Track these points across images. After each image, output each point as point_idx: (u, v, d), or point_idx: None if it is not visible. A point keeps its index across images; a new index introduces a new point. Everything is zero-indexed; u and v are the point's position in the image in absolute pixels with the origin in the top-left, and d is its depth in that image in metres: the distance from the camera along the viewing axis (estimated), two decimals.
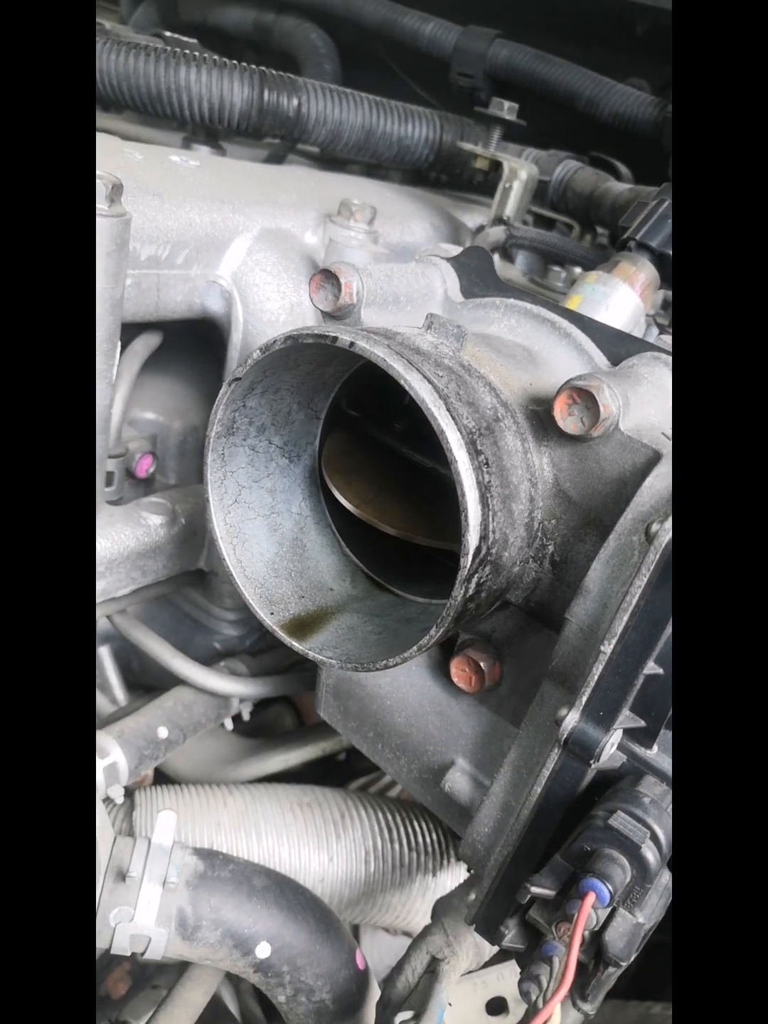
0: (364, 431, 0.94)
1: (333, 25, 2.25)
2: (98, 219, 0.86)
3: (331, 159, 1.93)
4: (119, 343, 0.97)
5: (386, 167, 1.95)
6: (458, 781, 0.85)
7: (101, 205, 0.86)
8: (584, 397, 0.69)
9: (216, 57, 1.39)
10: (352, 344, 0.68)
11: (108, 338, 0.94)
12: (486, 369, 0.76)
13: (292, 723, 1.50)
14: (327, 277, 0.83)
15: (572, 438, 0.72)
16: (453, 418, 0.66)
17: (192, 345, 1.36)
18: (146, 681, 1.39)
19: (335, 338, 0.69)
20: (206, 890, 0.86)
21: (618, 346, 0.87)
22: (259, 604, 0.83)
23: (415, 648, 0.71)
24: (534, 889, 0.67)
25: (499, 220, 1.38)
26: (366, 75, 2.32)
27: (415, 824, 1.15)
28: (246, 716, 1.20)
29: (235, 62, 1.40)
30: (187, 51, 1.37)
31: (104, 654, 1.34)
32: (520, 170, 1.37)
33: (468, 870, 1.01)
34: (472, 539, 0.66)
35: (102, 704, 1.31)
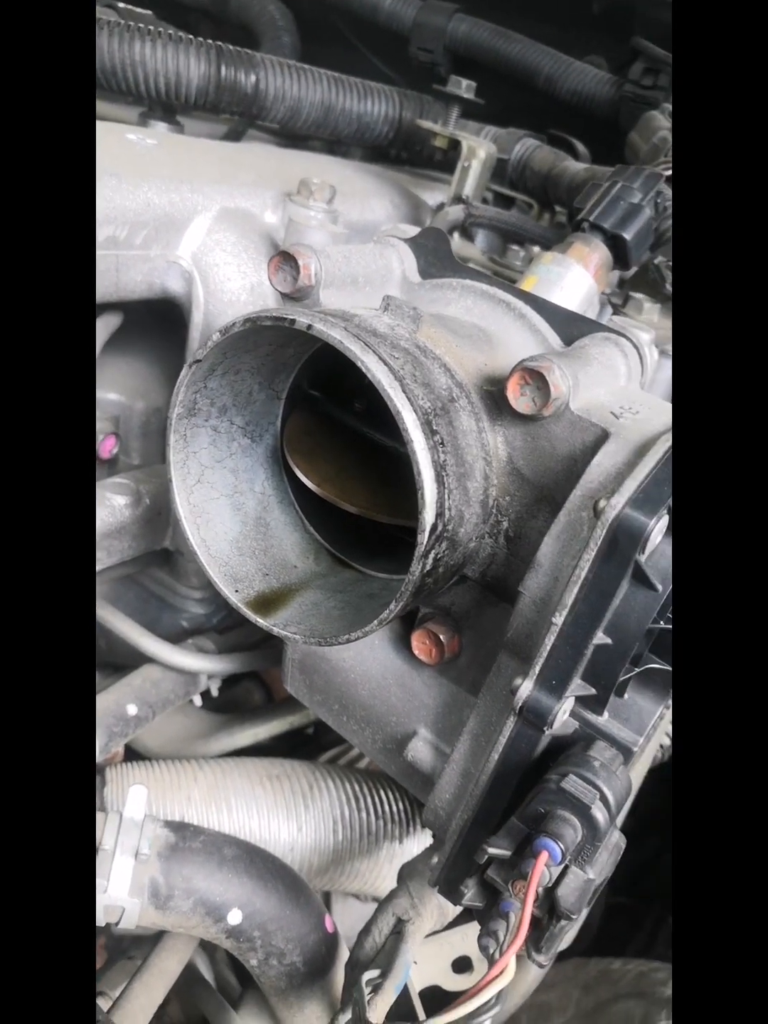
0: (325, 411, 0.95)
1: None
2: None
3: (292, 135, 1.92)
4: None
5: (346, 144, 1.94)
6: (420, 750, 0.88)
7: None
8: (535, 378, 0.72)
9: (172, 31, 1.38)
10: (310, 327, 0.70)
11: None
12: (442, 350, 0.78)
13: (261, 699, 1.52)
14: (285, 259, 0.84)
15: (525, 417, 0.75)
16: (409, 399, 0.68)
17: (153, 325, 1.36)
18: (114, 660, 1.40)
19: (293, 321, 0.70)
20: (178, 861, 0.89)
21: (571, 327, 0.89)
22: (223, 582, 0.84)
23: (375, 622, 0.73)
24: (491, 850, 0.70)
25: (458, 199, 1.39)
26: (325, 49, 2.30)
27: (381, 794, 1.18)
28: (214, 692, 1.22)
29: (191, 37, 1.39)
30: (142, 25, 1.36)
31: None
32: (479, 149, 1.38)
33: (433, 837, 1.04)
34: (428, 516, 0.68)
35: None
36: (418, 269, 0.97)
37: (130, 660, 1.35)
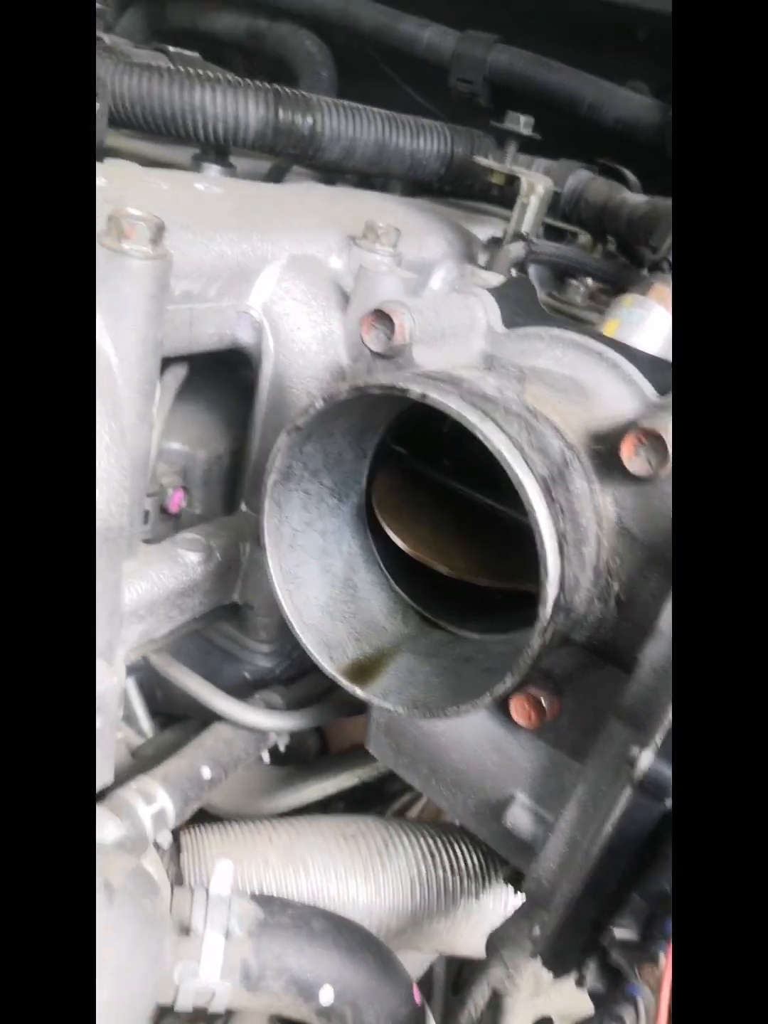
0: (411, 467, 0.93)
1: (327, 31, 2.23)
2: (141, 263, 0.84)
3: (330, 171, 1.91)
4: (158, 384, 0.96)
5: (388, 176, 1.94)
6: (520, 816, 0.86)
7: (145, 248, 0.85)
8: (651, 438, 0.69)
9: (229, 76, 1.37)
10: (424, 396, 0.68)
11: (148, 380, 0.92)
12: (548, 409, 0.76)
13: (315, 746, 1.50)
14: (379, 317, 0.83)
15: (637, 478, 0.72)
16: (530, 468, 0.66)
17: (213, 371, 1.34)
18: (170, 710, 1.38)
19: (406, 390, 0.68)
20: (268, 937, 0.86)
21: (662, 374, 0.87)
22: (318, 651, 0.82)
23: (487, 695, 0.71)
24: (619, 933, 0.67)
25: (518, 236, 1.37)
26: (362, 82, 2.31)
27: (456, 848, 1.15)
28: (282, 747, 1.19)
29: (248, 81, 1.38)
30: (200, 71, 1.35)
31: (129, 685, 1.32)
32: (537, 185, 1.37)
33: (515, 891, 1.01)
34: (551, 590, 0.65)
35: (129, 736, 1.29)
36: (502, 319, 0.95)
37: (187, 711, 1.33)
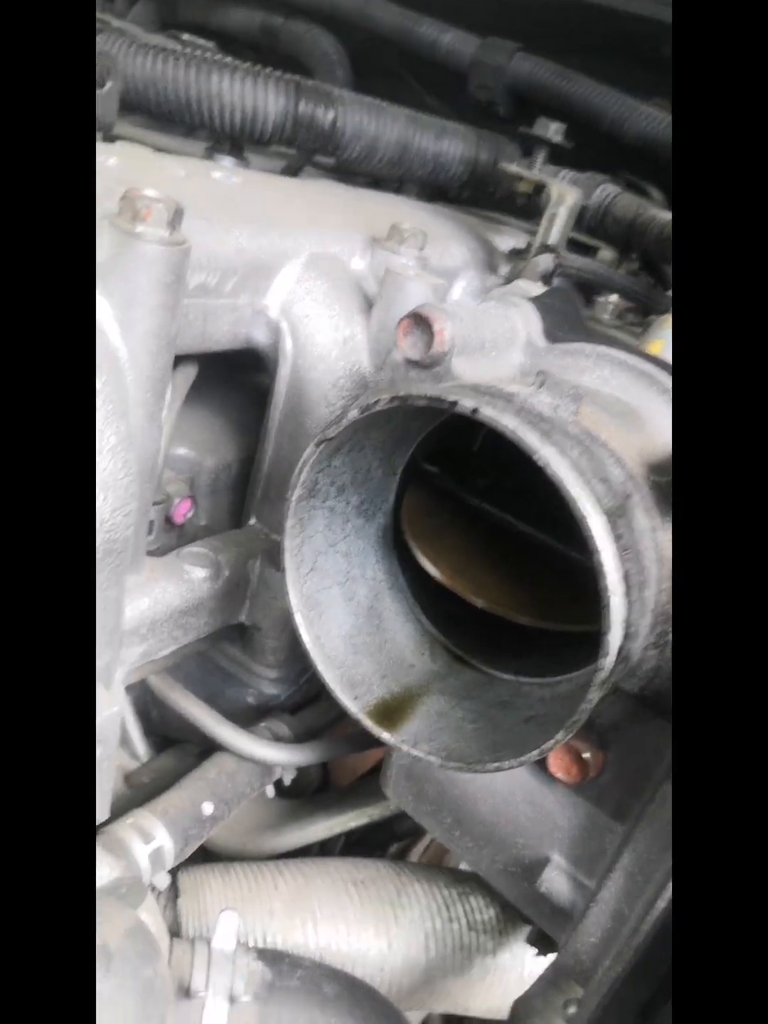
0: (442, 487, 0.86)
1: (343, 31, 2.16)
2: (157, 249, 0.77)
3: (345, 171, 1.84)
4: (170, 382, 0.88)
5: (403, 181, 1.87)
6: (556, 881, 0.78)
7: (162, 232, 0.77)
8: None
9: (248, 64, 1.30)
10: (475, 411, 0.60)
11: (161, 377, 0.85)
12: (605, 435, 0.68)
13: (317, 777, 1.41)
14: (417, 322, 0.75)
15: None
16: (595, 499, 0.58)
17: (222, 373, 1.26)
18: (166, 732, 1.30)
19: (455, 403, 0.61)
20: (276, 1003, 0.78)
21: None
22: (341, 689, 0.74)
23: (535, 751, 0.63)
24: None
25: (545, 247, 1.31)
26: (377, 85, 2.24)
27: (473, 900, 1.07)
28: (287, 781, 1.11)
29: (269, 70, 1.31)
30: (217, 57, 1.28)
31: (124, 705, 1.24)
32: (567, 195, 1.30)
33: (538, 954, 0.93)
34: (615, 638, 0.58)
35: (123, 760, 1.21)
36: (543, 331, 0.88)
37: (184, 735, 1.25)
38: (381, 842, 1.30)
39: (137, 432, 0.85)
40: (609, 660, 0.58)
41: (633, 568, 0.61)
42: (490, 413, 0.60)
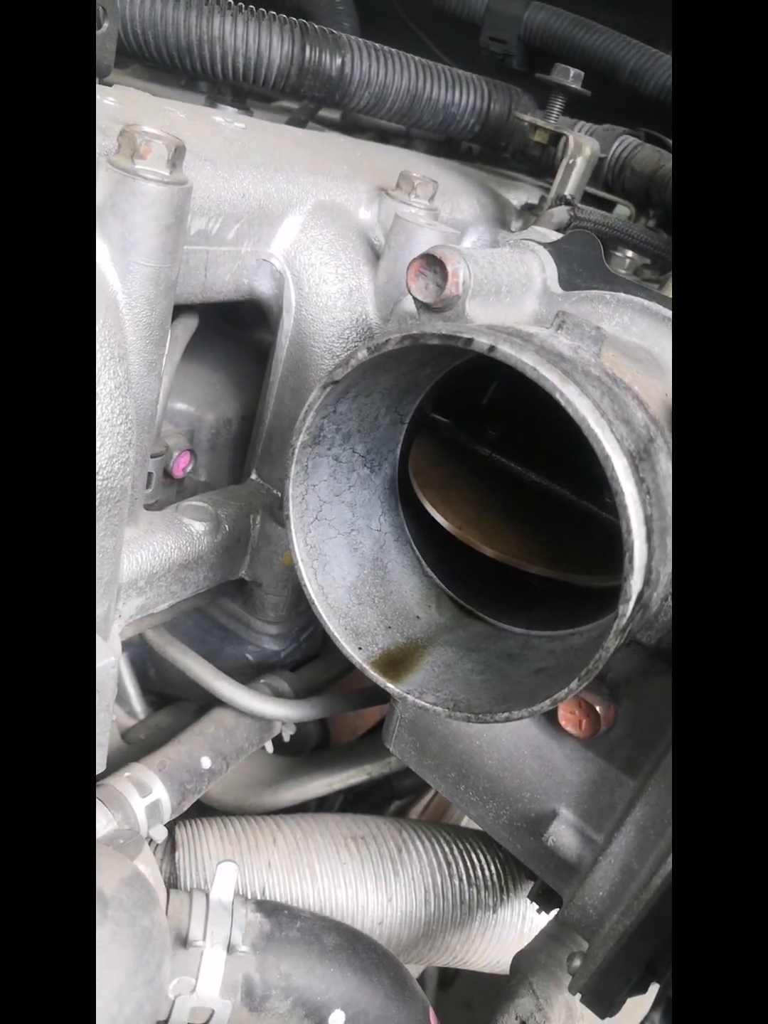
0: (452, 438, 0.84)
1: None
2: (158, 187, 0.74)
3: (351, 126, 1.80)
4: (169, 330, 0.85)
5: (411, 136, 1.82)
6: (563, 835, 0.77)
7: (162, 170, 0.74)
8: None
9: (252, 7, 1.26)
10: (492, 348, 0.58)
11: (159, 325, 0.82)
12: (628, 378, 0.66)
13: (316, 735, 1.40)
14: (429, 263, 0.72)
15: None
16: (618, 441, 0.56)
17: (224, 329, 1.24)
18: (164, 690, 1.28)
19: (470, 340, 0.58)
20: (274, 953, 0.77)
21: None
22: (345, 638, 0.73)
23: (548, 701, 0.62)
24: None
25: (561, 199, 1.27)
26: (385, 37, 2.18)
27: (474, 856, 1.06)
28: (287, 737, 1.10)
29: (273, 13, 1.26)
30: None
31: (121, 662, 1.22)
32: (584, 146, 1.26)
33: (539, 910, 0.92)
34: (636, 583, 0.56)
35: (120, 717, 1.20)
36: (560, 278, 0.85)
37: (182, 692, 1.23)
38: (381, 801, 1.30)
39: (135, 379, 0.82)
40: (629, 606, 0.56)
41: (655, 513, 0.59)
42: (508, 350, 0.57)
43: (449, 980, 1.86)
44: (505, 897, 1.07)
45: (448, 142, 1.77)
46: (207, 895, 0.78)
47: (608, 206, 1.50)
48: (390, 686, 0.70)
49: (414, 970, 1.21)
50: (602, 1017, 0.72)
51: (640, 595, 0.57)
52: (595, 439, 0.55)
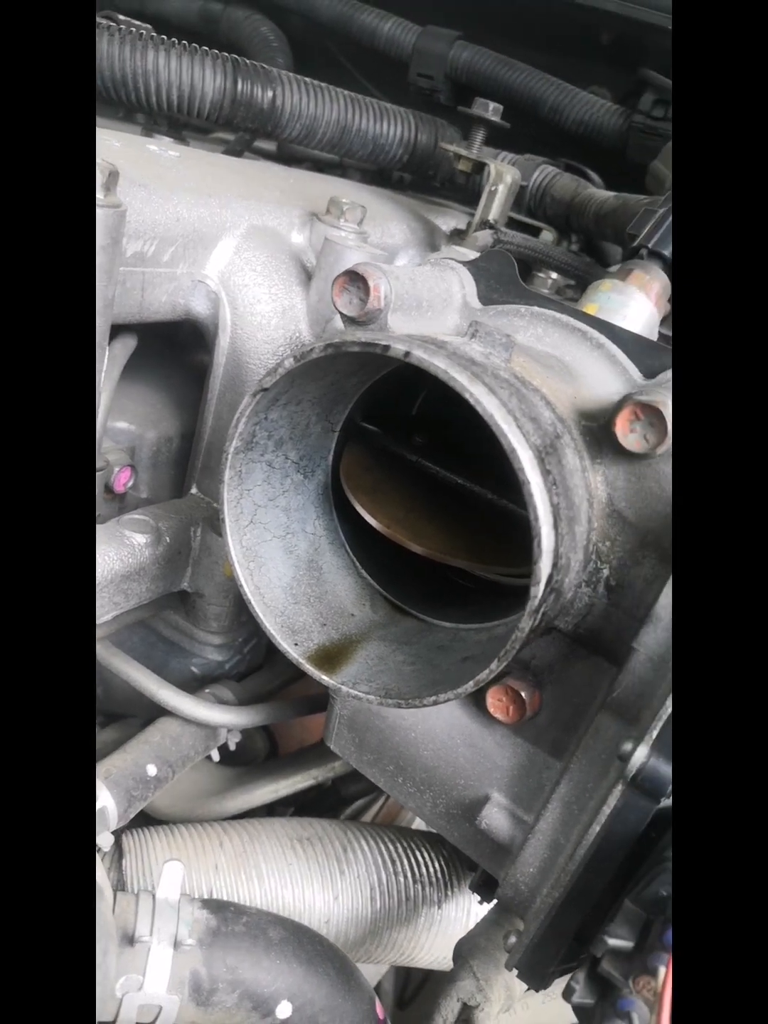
0: (381, 446, 0.88)
1: (284, 18, 2.17)
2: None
3: (289, 156, 1.86)
4: (107, 347, 0.88)
5: (345, 165, 1.89)
6: (495, 817, 0.80)
7: (97, 193, 0.78)
8: (649, 413, 0.66)
9: (185, 42, 1.31)
10: (407, 354, 0.62)
11: (98, 343, 0.85)
12: (537, 381, 0.71)
13: (265, 748, 1.42)
14: (352, 279, 0.77)
15: (631, 456, 0.68)
16: (524, 435, 0.61)
17: (163, 352, 1.27)
18: (111, 708, 1.29)
19: (387, 347, 0.63)
20: (220, 948, 0.79)
21: (649, 358, 0.83)
22: (281, 635, 0.76)
23: (471, 682, 0.66)
24: (612, 941, 0.62)
25: (485, 224, 1.34)
26: (319, 73, 2.25)
27: (418, 854, 1.09)
28: (232, 745, 1.12)
29: (206, 49, 1.32)
30: (154, 35, 1.28)
31: None
32: (505, 173, 1.33)
33: (481, 901, 0.96)
34: (545, 566, 0.61)
35: None
36: (479, 294, 0.91)
37: (129, 709, 1.24)
38: (330, 808, 1.32)
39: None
40: (540, 588, 0.61)
41: (562, 502, 0.64)
42: (421, 355, 0.62)
43: (407, 999, 1.86)
44: (449, 892, 1.10)
45: (380, 172, 1.84)
46: (153, 894, 0.80)
47: (534, 231, 1.57)
48: (325, 678, 0.73)
49: (369, 972, 1.23)
50: (536, 990, 0.75)
51: (550, 578, 0.62)
52: (502, 433, 0.59)
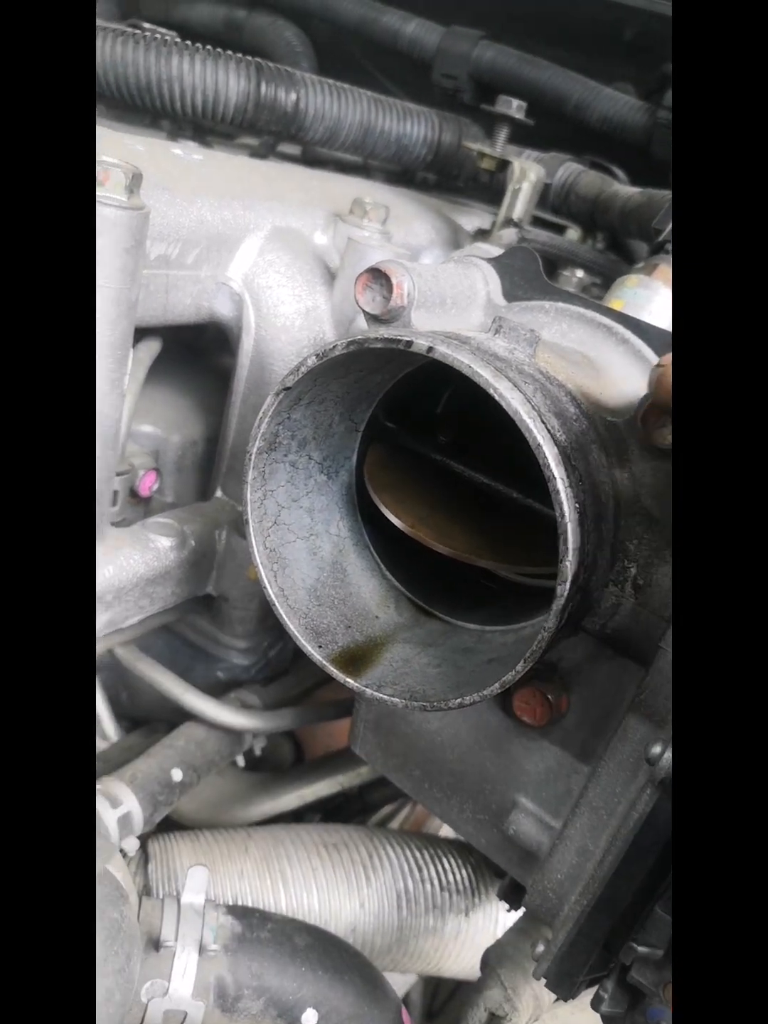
0: (402, 444, 0.87)
1: (307, 23, 2.18)
2: (116, 212, 0.78)
3: (313, 159, 1.86)
4: (131, 350, 0.88)
5: (369, 167, 1.88)
6: (523, 823, 0.79)
7: (120, 196, 0.78)
8: None
9: (209, 47, 1.31)
10: (430, 349, 0.61)
11: (121, 344, 0.85)
12: (562, 377, 0.70)
13: (290, 754, 1.42)
14: (375, 276, 0.76)
15: (659, 453, 0.67)
16: (549, 432, 0.59)
17: (187, 356, 1.27)
18: (136, 714, 1.29)
19: (409, 343, 0.62)
20: (246, 954, 0.78)
21: None
22: (305, 637, 0.75)
23: (497, 685, 0.64)
24: (641, 949, 0.61)
25: (509, 222, 1.33)
26: (343, 76, 2.26)
27: (445, 862, 1.08)
28: (258, 751, 1.11)
29: (229, 53, 1.32)
30: (177, 41, 1.29)
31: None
32: (530, 171, 1.32)
33: (509, 909, 0.94)
34: (571, 564, 0.59)
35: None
36: (503, 291, 0.89)
37: (154, 713, 1.25)
38: (355, 814, 1.31)
39: (98, 397, 0.85)
40: (566, 586, 0.59)
41: (588, 499, 0.62)
42: (445, 351, 0.61)
43: (436, 1011, 1.84)
44: (477, 900, 1.08)
45: (404, 173, 1.83)
46: (178, 899, 0.79)
47: (559, 229, 1.56)
48: (349, 681, 0.72)
49: (398, 983, 1.21)
50: (564, 999, 0.74)
51: (576, 577, 0.60)
52: (527, 429, 0.58)
